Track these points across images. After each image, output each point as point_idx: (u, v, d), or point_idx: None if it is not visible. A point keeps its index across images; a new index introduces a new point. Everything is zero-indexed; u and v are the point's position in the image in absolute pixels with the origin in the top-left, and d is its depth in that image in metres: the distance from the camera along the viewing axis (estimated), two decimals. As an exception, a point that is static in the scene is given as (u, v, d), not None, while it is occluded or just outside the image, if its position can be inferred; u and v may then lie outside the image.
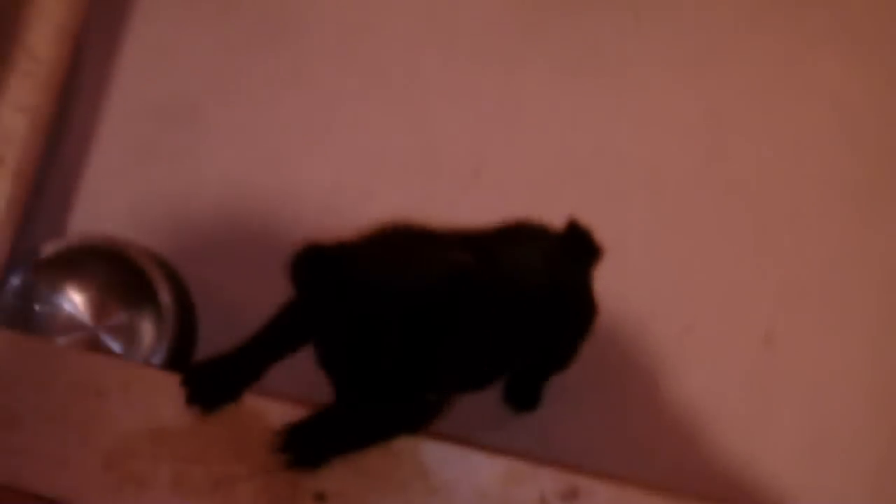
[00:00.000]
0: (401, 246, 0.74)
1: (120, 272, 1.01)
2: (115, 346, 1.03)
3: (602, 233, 0.95)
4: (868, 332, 1.06)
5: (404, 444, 0.78)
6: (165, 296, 1.00)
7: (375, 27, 1.16)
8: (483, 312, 0.70)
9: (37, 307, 1.02)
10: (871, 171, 1.10)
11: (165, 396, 0.81)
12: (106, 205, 1.11)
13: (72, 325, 1.03)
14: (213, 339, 1.06)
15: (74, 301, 1.04)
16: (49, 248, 1.00)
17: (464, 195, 1.11)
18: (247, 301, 1.08)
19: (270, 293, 1.06)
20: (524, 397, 1.01)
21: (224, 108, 1.14)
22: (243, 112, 1.14)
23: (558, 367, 0.95)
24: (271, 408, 0.80)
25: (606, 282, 0.91)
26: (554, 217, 1.01)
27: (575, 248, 0.88)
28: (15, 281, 1.00)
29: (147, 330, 1.03)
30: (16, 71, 0.93)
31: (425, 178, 1.11)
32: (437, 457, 0.78)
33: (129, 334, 1.03)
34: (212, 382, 0.80)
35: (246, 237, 1.11)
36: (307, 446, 0.78)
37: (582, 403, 1.04)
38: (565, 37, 1.14)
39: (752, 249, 1.09)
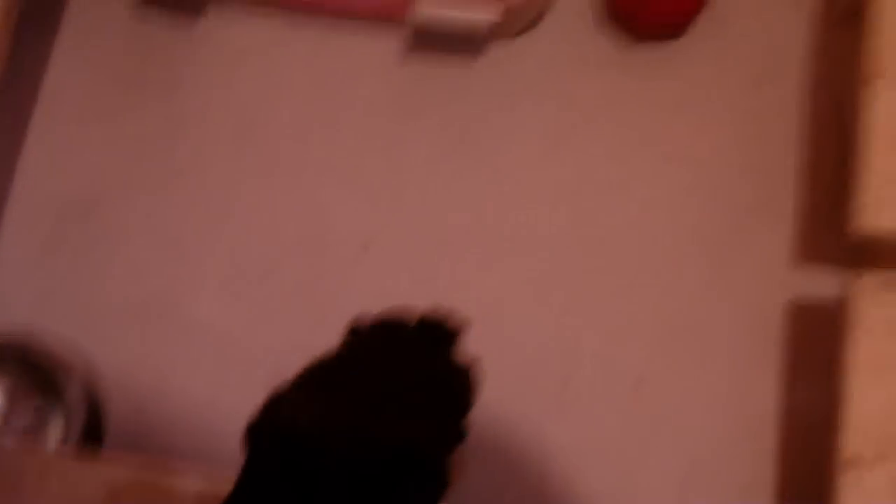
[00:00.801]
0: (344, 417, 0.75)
1: (27, 369, 1.05)
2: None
3: (482, 296, 1.03)
4: (728, 367, 1.14)
5: None
6: (73, 392, 1.05)
7: (266, 117, 1.23)
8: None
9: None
10: (722, 221, 1.19)
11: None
12: (13, 301, 1.15)
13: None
14: (121, 431, 1.12)
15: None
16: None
17: (355, 268, 1.18)
18: (155, 391, 1.14)
19: (178, 380, 1.13)
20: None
21: (125, 201, 1.20)
22: (144, 203, 1.20)
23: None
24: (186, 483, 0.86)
25: (488, 343, 0.99)
26: (437, 283, 1.10)
27: (431, 338, 0.86)
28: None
29: (55, 426, 1.07)
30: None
31: (318, 254, 1.18)
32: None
33: (37, 432, 1.07)
34: None
35: (151, 324, 1.17)
36: None
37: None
38: (441, 119, 1.23)
39: (621, 301, 1.17)
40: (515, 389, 1.13)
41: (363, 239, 1.19)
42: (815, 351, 1.07)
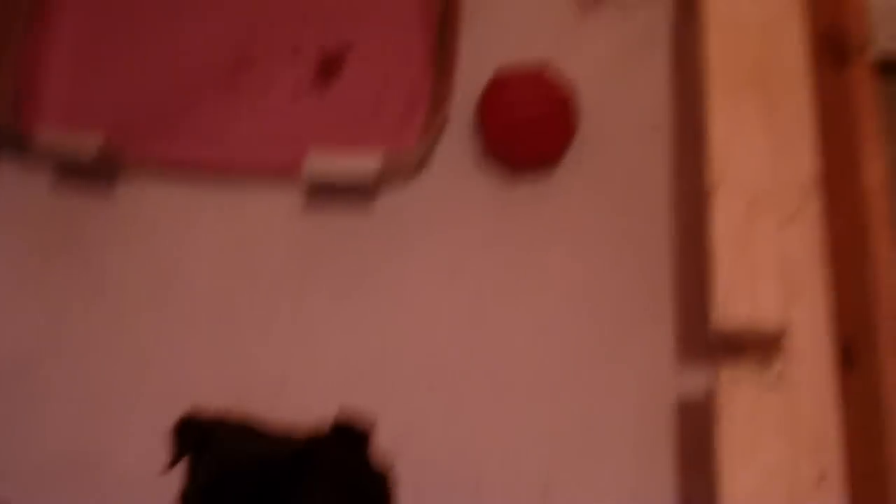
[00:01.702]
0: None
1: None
2: None
3: (392, 420, 1.12)
4: (627, 465, 1.22)
5: None
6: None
7: (181, 274, 1.32)
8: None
9: None
10: (608, 334, 1.30)
11: None
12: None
13: None
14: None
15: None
16: None
17: (276, 405, 1.25)
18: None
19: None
20: None
21: (52, 361, 1.27)
22: (70, 363, 1.27)
23: None
24: None
25: (403, 462, 1.07)
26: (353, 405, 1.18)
27: (345, 441, 0.98)
28: None
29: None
30: None
31: (241, 396, 1.23)
32: None
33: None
34: None
35: (81, 477, 1.22)
36: None
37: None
38: (343, 262, 1.33)
39: (524, 416, 1.25)
40: (429, 498, 1.19)
41: (280, 377, 1.27)
42: (702, 443, 1.13)
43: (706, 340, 1.17)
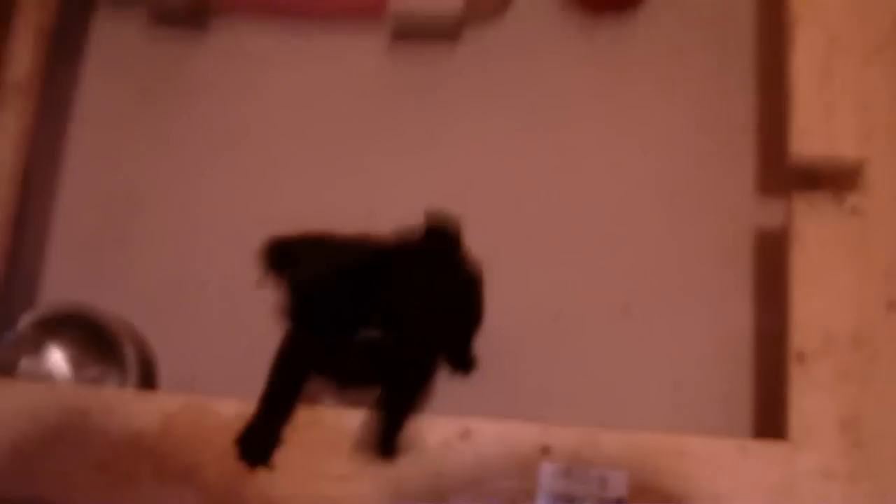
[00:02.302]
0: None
1: (89, 334, 1.21)
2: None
3: (477, 250, 1.17)
4: (704, 292, 1.28)
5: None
6: (129, 352, 1.20)
7: (275, 114, 1.38)
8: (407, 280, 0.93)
9: (20, 365, 1.22)
10: (688, 167, 1.34)
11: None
12: (69, 280, 1.31)
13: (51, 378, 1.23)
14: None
15: (52, 359, 1.24)
16: (26, 318, 1.21)
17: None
18: (202, 355, 1.29)
19: (222, 345, 1.27)
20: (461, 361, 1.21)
21: (162, 197, 1.35)
22: (180, 196, 1.35)
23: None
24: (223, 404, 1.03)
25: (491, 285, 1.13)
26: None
27: (436, 241, 1.06)
28: (1, 346, 1.20)
29: (114, 381, 1.23)
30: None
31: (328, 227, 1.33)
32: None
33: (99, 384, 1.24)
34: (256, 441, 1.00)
35: (188, 296, 1.31)
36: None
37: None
38: (428, 102, 1.37)
39: (607, 244, 1.31)
40: (514, 321, 1.26)
41: (367, 213, 1.32)
42: (779, 272, 1.16)
43: (786, 173, 1.19)
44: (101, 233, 1.34)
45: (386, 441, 1.01)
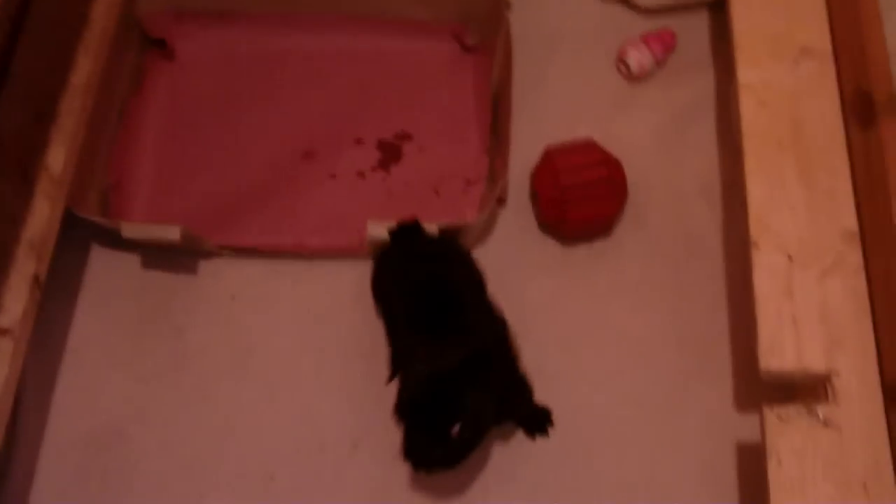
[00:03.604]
0: None
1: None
2: None
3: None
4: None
5: None
6: None
7: (259, 345, 1.42)
8: None
9: None
10: (667, 387, 1.37)
11: None
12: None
13: None
14: None
15: None
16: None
17: (347, 466, 1.34)
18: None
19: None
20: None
21: (144, 430, 1.36)
22: (160, 430, 1.36)
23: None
24: None
25: None
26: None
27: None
28: None
29: None
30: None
31: (314, 457, 1.34)
32: None
33: None
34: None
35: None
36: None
37: None
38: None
39: (590, 466, 1.32)
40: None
41: (352, 439, 1.36)
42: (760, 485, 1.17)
43: (760, 387, 1.22)
44: (86, 472, 1.34)
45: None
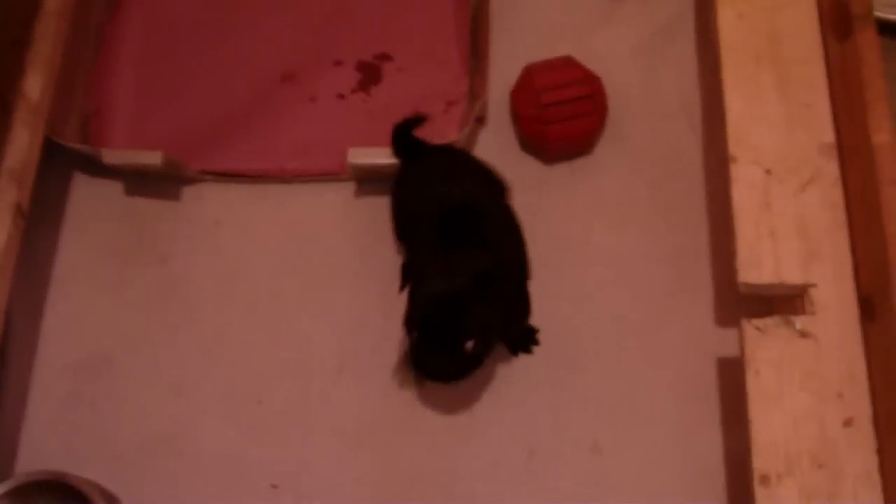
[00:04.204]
0: None
1: (66, 500, 1.22)
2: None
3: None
4: (674, 424, 1.31)
5: None
6: (105, 515, 1.21)
7: (244, 269, 1.43)
8: None
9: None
10: (649, 303, 1.39)
11: None
12: (45, 446, 1.32)
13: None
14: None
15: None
16: (2, 488, 1.22)
17: (334, 387, 1.36)
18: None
19: (196, 499, 1.28)
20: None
21: (131, 357, 1.38)
22: (148, 356, 1.38)
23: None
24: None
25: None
26: (404, 395, 1.25)
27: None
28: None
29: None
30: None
31: (302, 378, 1.36)
32: None
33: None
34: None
35: (163, 458, 1.32)
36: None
37: None
38: (392, 253, 1.44)
39: (572, 382, 1.34)
40: (489, 461, 1.30)
41: (338, 362, 1.37)
42: (742, 398, 1.20)
43: (738, 301, 1.25)
44: (76, 398, 1.36)
45: None
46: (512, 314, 1.28)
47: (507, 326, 1.25)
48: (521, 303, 1.31)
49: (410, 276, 1.18)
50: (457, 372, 1.17)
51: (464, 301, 1.14)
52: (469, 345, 1.14)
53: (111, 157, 1.39)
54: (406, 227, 1.34)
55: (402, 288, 1.17)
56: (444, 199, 1.27)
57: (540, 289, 1.37)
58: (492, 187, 1.35)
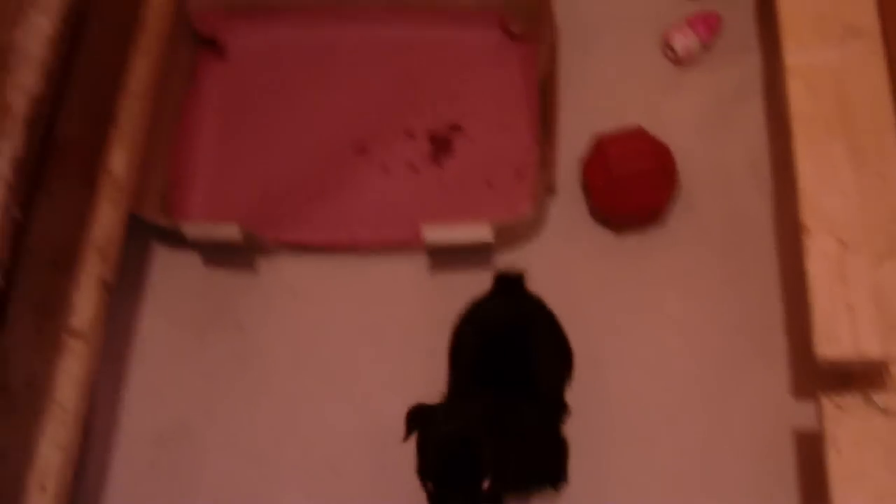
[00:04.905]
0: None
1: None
2: None
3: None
4: (751, 495, 1.30)
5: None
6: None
7: (319, 340, 1.45)
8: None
9: None
10: (722, 373, 1.39)
11: None
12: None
13: None
14: None
15: None
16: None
17: (408, 462, 1.36)
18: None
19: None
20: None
21: (210, 425, 1.40)
22: (225, 425, 1.40)
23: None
24: None
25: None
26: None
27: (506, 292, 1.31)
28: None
29: None
30: (52, 419, 1.21)
31: (376, 452, 1.36)
32: None
33: None
34: None
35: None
36: None
37: None
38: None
39: (644, 452, 1.34)
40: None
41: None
42: (820, 472, 1.18)
43: (816, 375, 1.22)
44: (156, 467, 1.38)
45: None
46: (538, 452, 1.27)
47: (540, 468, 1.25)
48: (554, 441, 1.30)
49: (416, 422, 1.14)
50: None
51: (473, 441, 1.10)
52: (486, 485, 1.09)
53: (192, 230, 1.42)
54: (456, 356, 1.31)
55: (406, 436, 1.14)
56: (502, 341, 1.26)
57: (609, 358, 1.39)
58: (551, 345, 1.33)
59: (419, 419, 1.14)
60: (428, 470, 1.10)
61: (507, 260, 1.47)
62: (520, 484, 1.25)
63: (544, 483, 1.32)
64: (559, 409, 1.32)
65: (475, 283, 1.39)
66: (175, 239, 1.47)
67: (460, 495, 1.09)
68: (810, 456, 1.29)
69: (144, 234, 1.51)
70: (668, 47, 1.61)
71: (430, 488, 1.10)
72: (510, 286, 1.32)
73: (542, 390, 1.27)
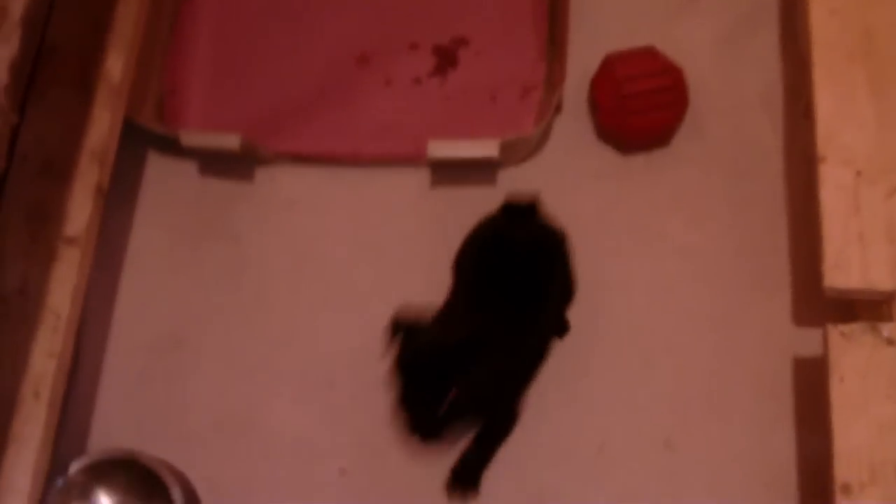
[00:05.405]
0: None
1: (136, 478, 1.23)
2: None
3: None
4: (746, 424, 1.30)
5: None
6: (177, 495, 1.22)
7: (316, 252, 1.43)
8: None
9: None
10: (725, 300, 1.37)
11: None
12: (117, 424, 1.34)
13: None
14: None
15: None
16: (76, 465, 1.24)
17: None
18: (246, 491, 1.30)
19: (262, 483, 1.29)
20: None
21: (204, 335, 1.39)
22: (220, 336, 1.39)
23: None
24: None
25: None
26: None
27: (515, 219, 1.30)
28: (51, 493, 1.22)
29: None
30: (45, 327, 1.19)
31: (372, 365, 1.31)
32: None
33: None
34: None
35: (234, 438, 1.34)
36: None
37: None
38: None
39: (645, 375, 1.33)
40: (557, 454, 1.30)
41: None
42: (819, 400, 1.17)
43: (822, 305, 1.21)
44: (148, 376, 1.37)
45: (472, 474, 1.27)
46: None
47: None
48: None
49: (396, 332, 1.19)
50: (435, 426, 1.17)
51: (454, 355, 1.14)
52: (451, 395, 1.13)
53: (189, 139, 1.39)
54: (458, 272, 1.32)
55: (386, 345, 1.19)
56: (504, 272, 1.26)
57: (613, 281, 1.37)
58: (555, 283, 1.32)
59: (401, 330, 1.17)
60: (404, 365, 1.15)
61: (511, 176, 1.44)
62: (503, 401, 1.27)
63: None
64: (559, 332, 1.32)
65: (477, 198, 1.38)
66: (170, 147, 1.44)
67: (426, 399, 1.12)
68: (809, 382, 1.28)
69: (139, 142, 1.47)
70: (683, -35, 1.55)
71: (399, 384, 1.14)
72: (520, 214, 1.31)
73: (541, 320, 1.27)
